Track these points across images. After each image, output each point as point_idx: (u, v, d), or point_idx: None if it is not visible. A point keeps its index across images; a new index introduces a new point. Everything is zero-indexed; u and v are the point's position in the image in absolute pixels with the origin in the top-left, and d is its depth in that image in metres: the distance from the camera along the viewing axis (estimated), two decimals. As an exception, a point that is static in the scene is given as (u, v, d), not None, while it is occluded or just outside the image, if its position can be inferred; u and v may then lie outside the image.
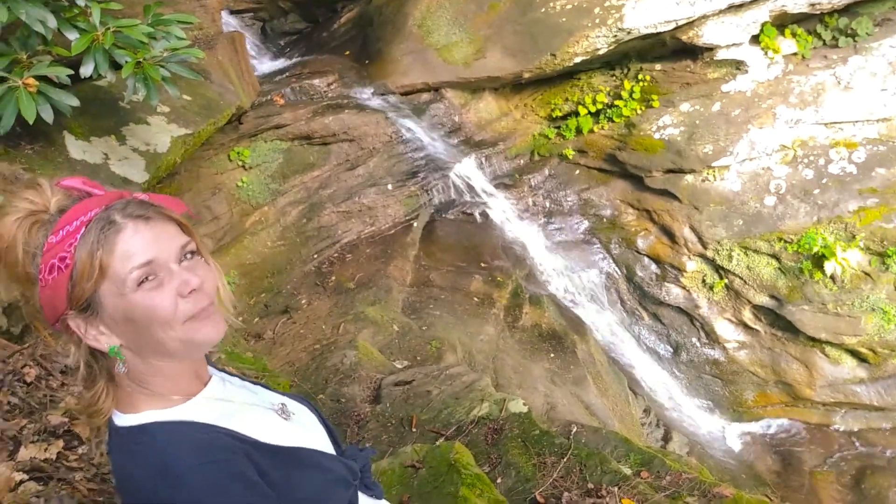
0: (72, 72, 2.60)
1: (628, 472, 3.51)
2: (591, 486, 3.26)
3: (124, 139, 3.42)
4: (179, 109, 3.80)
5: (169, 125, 3.66)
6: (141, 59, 2.77)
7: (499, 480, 3.40)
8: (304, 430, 1.31)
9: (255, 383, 1.38)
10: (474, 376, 4.07)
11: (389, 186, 5.81)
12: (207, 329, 1.10)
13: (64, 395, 2.20)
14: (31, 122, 2.36)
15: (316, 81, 5.97)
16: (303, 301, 5.07)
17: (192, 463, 1.03)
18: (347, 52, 6.48)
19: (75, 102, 2.61)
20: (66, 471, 1.93)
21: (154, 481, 1.02)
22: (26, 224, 1.03)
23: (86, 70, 2.66)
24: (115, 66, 2.74)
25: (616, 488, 3.21)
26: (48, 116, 2.47)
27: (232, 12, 5.95)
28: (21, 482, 1.87)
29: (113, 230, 1.03)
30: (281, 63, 6.53)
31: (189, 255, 1.10)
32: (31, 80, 2.39)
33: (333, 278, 5.28)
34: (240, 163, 5.33)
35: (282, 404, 1.32)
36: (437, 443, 3.56)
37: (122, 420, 1.10)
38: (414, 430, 3.75)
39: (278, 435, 1.21)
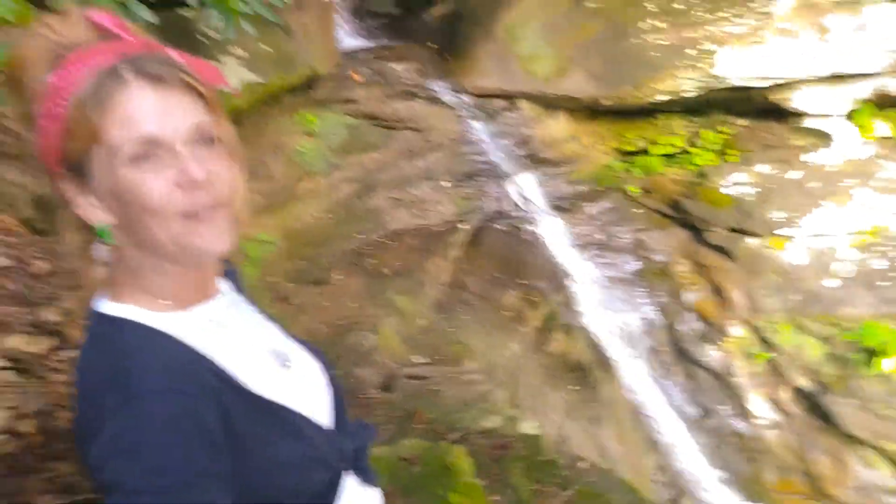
0: (155, -12, 2.59)
1: (631, 522, 3.31)
2: (588, 524, 3.08)
3: (196, 70, 3.39)
4: (256, 57, 3.78)
5: (241, 69, 3.63)
6: (225, -11, 2.74)
7: (494, 497, 3.23)
8: (299, 388, 1.09)
9: (271, 319, 1.19)
10: (490, 387, 3.92)
11: (445, 184, 5.72)
12: (207, 236, 0.91)
13: (68, 296, 2.12)
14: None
15: (395, 66, 5.94)
16: (336, 276, 4.98)
17: (152, 384, 0.85)
18: (433, 45, 6.44)
19: (151, 18, 2.58)
20: (47, 370, 1.84)
21: (105, 386, 0.86)
22: (43, 56, 0.85)
23: (171, -14, 2.65)
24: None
25: (614, 534, 3.02)
26: (123, 24, 2.44)
27: (330, -18, 6.00)
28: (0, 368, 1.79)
29: (114, 86, 0.84)
30: (365, 42, 6.53)
31: (205, 140, 0.90)
32: (115, -12, 2.38)
33: (370, 261, 5.19)
34: (304, 128, 5.31)
35: (286, 351, 1.11)
36: (438, 443, 3.42)
37: (103, 306, 0.95)
38: (418, 426, 3.62)
39: (266, 384, 1.01)
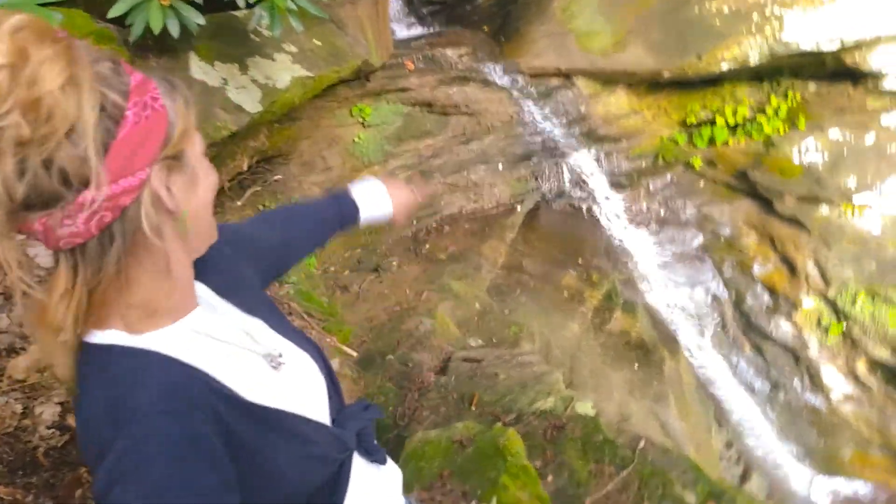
0: (204, -8, 2.71)
1: (692, 501, 3.30)
2: (645, 505, 3.09)
3: (247, 69, 3.53)
4: (307, 52, 3.89)
5: (293, 65, 3.74)
6: (270, -12, 2.84)
7: (549, 479, 3.29)
8: (292, 387, 1.08)
9: (256, 312, 1.14)
10: (546, 368, 3.95)
11: (500, 166, 5.73)
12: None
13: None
14: (156, 33, 2.47)
15: (448, 52, 5.96)
16: (394, 263, 5.11)
17: (146, 408, 0.83)
18: (486, 28, 6.42)
19: (202, 21, 2.70)
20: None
21: (101, 418, 0.84)
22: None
23: (218, -8, 2.76)
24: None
25: (672, 514, 3.02)
26: (174, 30, 2.58)
27: (381, -27, 6.03)
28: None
29: (180, 96, 0.91)
30: (419, 31, 6.57)
31: None
32: (166, -5, 2.51)
33: (427, 247, 5.29)
34: (360, 120, 5.42)
35: (277, 350, 1.09)
36: (491, 426, 3.49)
37: (91, 336, 0.90)
38: (473, 408, 3.70)
39: (261, 390, 1.00)
